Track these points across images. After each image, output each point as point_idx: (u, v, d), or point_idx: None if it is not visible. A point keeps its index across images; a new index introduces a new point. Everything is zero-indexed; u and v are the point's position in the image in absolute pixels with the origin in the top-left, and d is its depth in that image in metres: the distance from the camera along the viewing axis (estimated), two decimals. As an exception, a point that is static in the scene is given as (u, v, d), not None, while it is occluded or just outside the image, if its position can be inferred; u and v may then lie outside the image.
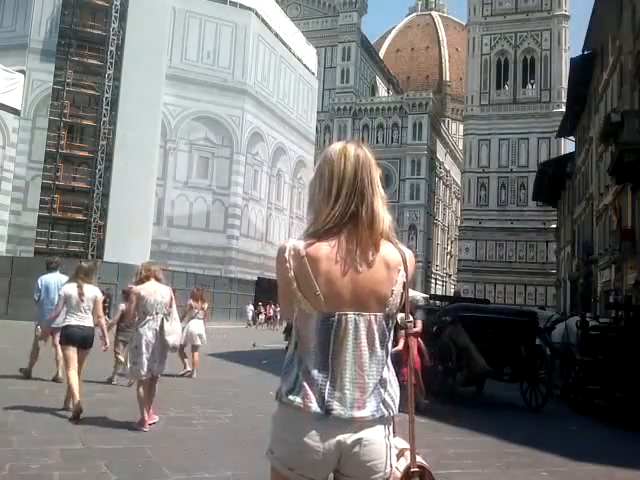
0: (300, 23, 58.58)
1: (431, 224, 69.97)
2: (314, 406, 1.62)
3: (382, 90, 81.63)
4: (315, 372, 1.63)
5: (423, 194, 65.82)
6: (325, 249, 1.62)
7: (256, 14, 38.32)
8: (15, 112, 31.44)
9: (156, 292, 5.97)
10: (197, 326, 10.53)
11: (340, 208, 1.65)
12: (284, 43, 42.82)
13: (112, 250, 30.45)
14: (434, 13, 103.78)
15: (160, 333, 5.91)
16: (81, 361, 6.52)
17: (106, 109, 31.93)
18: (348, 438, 1.63)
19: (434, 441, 6.54)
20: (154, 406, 6.39)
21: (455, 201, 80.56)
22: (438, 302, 16.99)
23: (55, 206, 31.27)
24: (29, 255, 29.79)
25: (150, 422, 6.02)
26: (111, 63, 32.12)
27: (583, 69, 28.20)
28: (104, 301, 7.65)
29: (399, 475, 1.69)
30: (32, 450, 4.93)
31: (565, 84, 41.94)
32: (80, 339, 6.39)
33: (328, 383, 1.63)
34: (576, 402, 9.44)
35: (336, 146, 1.84)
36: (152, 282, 6.02)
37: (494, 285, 57.68)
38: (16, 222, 31.15)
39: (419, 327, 8.43)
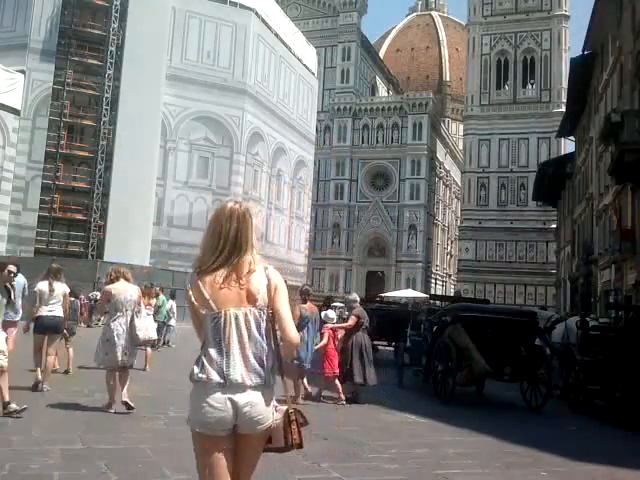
0: (300, 23, 58.54)
1: (431, 224, 69.96)
2: (215, 378, 2.31)
3: (382, 90, 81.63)
4: (214, 354, 2.34)
5: (423, 194, 65.80)
6: (212, 273, 2.43)
7: (256, 14, 38.30)
8: (15, 112, 31.43)
9: (126, 291, 6.74)
10: (144, 322, 10.62)
11: (223, 258, 2.44)
12: (284, 43, 42.81)
13: (112, 250, 30.43)
14: (434, 13, 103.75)
15: (130, 328, 6.67)
16: (51, 343, 7.90)
17: (106, 109, 31.92)
18: (241, 400, 2.30)
19: (434, 441, 6.55)
20: (155, 406, 6.39)
21: (455, 201, 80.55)
22: (438, 302, 17.02)
23: (55, 206, 31.26)
24: (29, 255, 29.78)
25: (124, 400, 6.66)
26: (111, 63, 32.12)
27: (583, 69, 28.18)
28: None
29: (281, 423, 2.41)
30: (32, 450, 4.93)
31: (565, 84, 41.94)
32: (51, 326, 7.77)
33: (224, 361, 2.33)
34: (576, 402, 9.44)
35: (225, 207, 2.51)
36: (122, 282, 6.81)
37: (494, 285, 57.68)
38: (16, 222, 31.15)
39: (351, 322, 8.86)
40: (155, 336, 8.22)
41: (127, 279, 6.85)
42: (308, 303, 8.42)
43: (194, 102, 35.63)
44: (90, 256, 30.82)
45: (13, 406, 6.08)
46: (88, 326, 20.17)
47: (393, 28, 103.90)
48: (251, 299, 2.41)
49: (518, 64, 60.34)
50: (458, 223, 71.78)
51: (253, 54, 38.21)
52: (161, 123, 34.40)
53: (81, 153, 32.39)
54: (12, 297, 6.85)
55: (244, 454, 2.46)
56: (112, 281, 6.93)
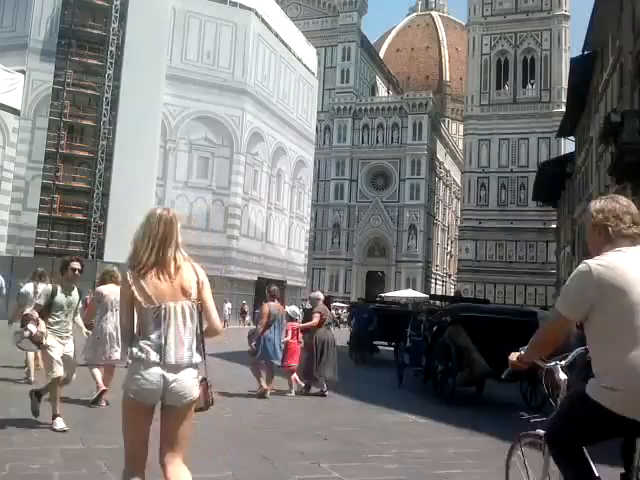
0: (300, 23, 58.57)
1: (431, 224, 69.99)
2: (153, 358, 2.77)
3: (382, 90, 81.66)
4: (154, 339, 2.80)
5: (423, 194, 65.84)
6: (149, 271, 2.86)
7: (256, 14, 38.30)
8: (15, 112, 31.42)
9: (116, 292, 6.93)
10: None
11: (154, 256, 2.88)
12: (284, 43, 42.80)
13: (112, 250, 30.40)
14: (434, 13, 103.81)
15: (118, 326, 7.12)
16: None
17: (106, 109, 31.92)
18: (170, 377, 2.78)
19: (434, 441, 6.55)
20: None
21: (455, 201, 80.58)
22: (438, 302, 17.02)
23: (55, 206, 31.25)
24: (29, 255, 29.78)
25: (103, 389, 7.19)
26: (111, 63, 32.11)
27: (583, 69, 28.18)
28: None
29: (201, 389, 2.99)
30: (32, 450, 4.93)
31: (565, 84, 41.94)
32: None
33: (162, 345, 2.78)
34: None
35: (155, 213, 2.97)
36: (112, 285, 7.24)
37: (494, 285, 57.71)
38: (16, 222, 31.13)
39: (316, 320, 9.23)
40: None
41: (116, 281, 7.13)
42: (275, 302, 8.90)
43: (194, 102, 35.63)
44: (90, 256, 30.81)
45: (59, 423, 5.66)
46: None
47: (393, 28, 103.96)
48: (185, 293, 2.89)
49: (518, 64, 60.38)
50: (458, 223, 71.80)
51: (253, 54, 38.20)
52: (161, 123, 34.39)
53: (81, 153, 32.38)
54: None
55: (169, 423, 2.95)
56: (102, 282, 7.42)
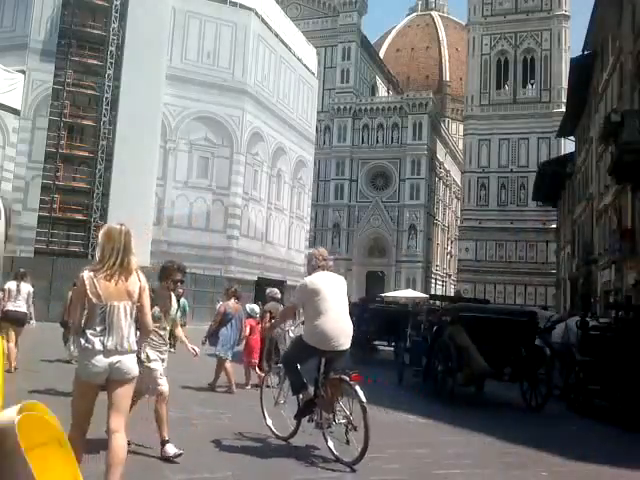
0: (300, 23, 58.53)
1: (431, 224, 69.98)
2: (98, 345, 3.52)
3: (382, 90, 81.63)
4: (99, 330, 3.55)
5: (423, 194, 65.82)
6: (103, 276, 3.58)
7: (256, 14, 38.29)
8: (15, 112, 31.41)
9: None
10: None
11: (111, 264, 3.61)
12: (284, 43, 42.79)
13: (112, 250, 30.43)
14: (434, 13, 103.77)
15: None
16: (17, 335, 9.56)
17: (106, 109, 31.91)
18: (115, 359, 3.55)
19: (434, 441, 6.55)
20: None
21: (455, 201, 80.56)
22: (438, 302, 17.01)
23: (55, 206, 31.23)
24: (29, 255, 29.77)
25: None
26: (111, 63, 32.10)
27: (583, 69, 28.18)
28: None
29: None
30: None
31: (565, 84, 41.94)
32: (16, 319, 9.42)
33: (106, 334, 3.55)
34: (576, 402, 9.43)
35: (113, 228, 3.83)
36: None
37: (494, 285, 57.68)
38: (16, 222, 31.10)
39: (265, 318, 9.60)
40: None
41: None
42: (232, 302, 9.38)
43: (194, 102, 35.61)
44: (90, 256, 30.78)
45: (170, 449, 5.02)
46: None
47: (393, 28, 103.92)
48: (129, 296, 3.65)
49: (518, 64, 60.35)
50: (458, 223, 71.78)
51: (253, 54, 38.19)
52: (161, 123, 34.37)
53: (81, 153, 32.37)
54: None
55: (115, 396, 3.62)
56: None
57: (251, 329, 9.57)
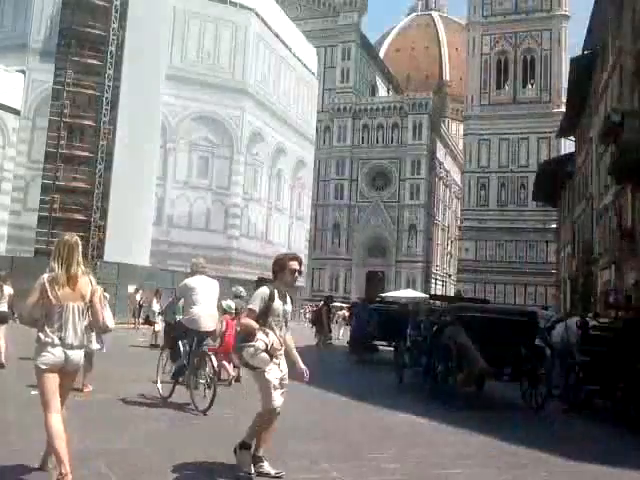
0: (300, 23, 58.51)
1: (431, 224, 69.98)
2: (56, 340, 4.05)
3: (382, 90, 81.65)
4: (56, 327, 4.07)
5: (423, 194, 65.84)
6: (59, 280, 4.08)
7: (256, 14, 38.28)
8: (15, 112, 31.41)
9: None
10: (108, 314, 10.86)
11: (64, 270, 4.12)
12: (284, 43, 42.78)
13: (112, 250, 30.42)
14: (434, 13, 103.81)
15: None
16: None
17: (106, 109, 31.88)
18: (69, 352, 4.08)
19: (434, 441, 6.55)
20: (155, 406, 6.38)
21: (455, 201, 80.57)
22: (438, 302, 17.00)
23: (55, 206, 31.19)
24: (29, 255, 29.75)
25: (86, 390, 7.82)
26: (111, 63, 32.06)
27: (583, 69, 28.16)
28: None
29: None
30: (32, 450, 4.93)
31: (565, 84, 41.89)
32: (2, 317, 10.30)
33: (62, 331, 4.06)
34: (576, 402, 9.43)
35: (63, 240, 4.26)
36: None
37: (494, 285, 57.70)
38: (16, 222, 31.12)
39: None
40: (112, 325, 8.63)
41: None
42: None
43: (194, 102, 35.61)
44: (90, 256, 30.76)
45: (267, 467, 4.67)
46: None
47: (393, 28, 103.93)
48: (82, 297, 4.17)
49: (518, 64, 60.38)
50: (458, 223, 71.80)
51: (253, 54, 38.19)
52: (161, 123, 34.37)
53: (81, 153, 32.33)
54: None
55: (64, 384, 4.17)
56: None
57: (227, 325, 9.73)
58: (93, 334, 7.84)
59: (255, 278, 38.69)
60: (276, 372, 4.54)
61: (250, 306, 4.66)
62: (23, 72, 31.65)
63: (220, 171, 36.62)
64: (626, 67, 20.24)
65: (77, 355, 4.14)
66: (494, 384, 10.14)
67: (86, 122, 32.43)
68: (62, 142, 31.55)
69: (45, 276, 4.11)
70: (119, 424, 6.25)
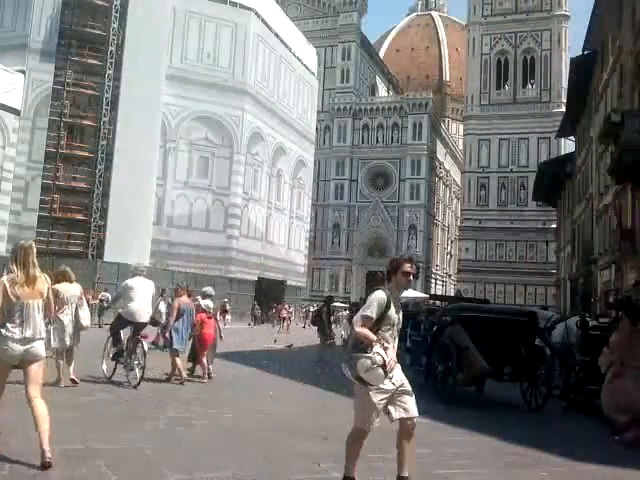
0: (300, 23, 58.55)
1: (431, 224, 69.97)
2: (17, 334, 4.47)
3: (382, 90, 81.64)
4: (17, 322, 4.48)
5: (423, 194, 65.82)
6: (19, 280, 4.52)
7: (256, 14, 38.30)
8: (15, 112, 31.43)
9: (70, 289, 8.26)
10: (86, 313, 11.17)
11: (22, 271, 4.55)
12: (284, 43, 42.80)
13: (112, 250, 30.45)
14: (434, 13, 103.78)
15: (75, 317, 8.27)
16: None
17: (106, 109, 31.90)
18: (29, 346, 4.52)
19: (434, 441, 6.54)
20: (155, 406, 6.37)
21: (455, 201, 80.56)
22: (438, 302, 16.99)
23: (55, 206, 31.23)
24: (29, 255, 29.74)
25: (71, 377, 8.17)
26: (111, 63, 32.09)
27: (583, 69, 28.15)
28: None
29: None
30: (32, 450, 4.93)
31: (565, 84, 41.92)
32: None
33: (23, 326, 4.49)
34: (576, 402, 9.43)
35: (19, 244, 4.74)
36: (66, 283, 8.26)
37: (494, 285, 57.69)
38: (16, 222, 31.13)
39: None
40: (88, 324, 8.79)
41: (70, 279, 8.30)
42: (184, 297, 9.92)
43: (194, 102, 35.63)
44: (90, 256, 30.81)
45: None
46: (99, 326, 20.04)
47: (393, 28, 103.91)
48: (40, 295, 4.64)
49: (518, 64, 60.37)
50: (458, 223, 71.79)
51: (253, 54, 38.21)
52: (161, 123, 34.39)
53: (81, 153, 32.37)
54: None
55: (30, 372, 4.59)
56: (58, 282, 8.21)
57: (203, 323, 10.02)
58: (66, 332, 8.20)
59: (255, 278, 38.72)
60: (383, 393, 3.99)
61: (366, 313, 4.09)
62: (23, 72, 31.66)
63: (220, 171, 36.63)
64: (626, 67, 20.24)
65: (38, 346, 4.59)
66: (494, 384, 10.14)
67: (86, 122, 32.47)
68: (62, 142, 31.60)
69: (5, 278, 4.55)
70: (119, 424, 6.25)
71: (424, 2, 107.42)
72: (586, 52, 27.50)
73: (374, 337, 3.97)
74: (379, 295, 4.17)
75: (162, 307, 15.24)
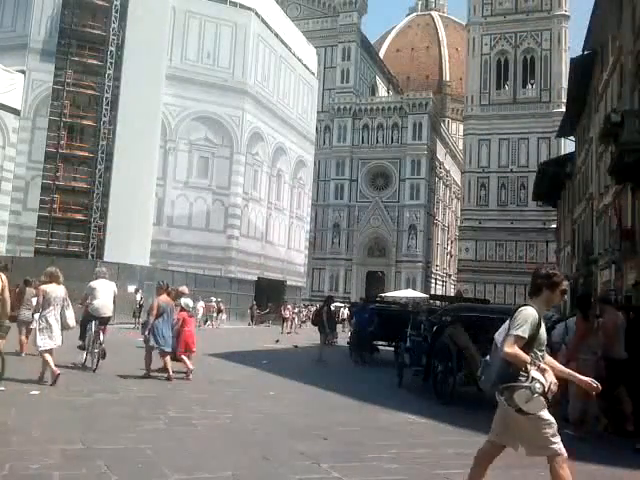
0: (300, 23, 58.54)
1: (431, 224, 69.97)
2: None
3: (382, 90, 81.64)
4: None
5: (423, 194, 65.82)
6: None
7: (256, 14, 38.28)
8: (15, 112, 31.41)
9: (56, 290, 8.43)
10: (70, 313, 11.44)
11: None
12: (284, 43, 42.79)
13: (112, 250, 30.42)
14: (434, 13, 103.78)
15: (61, 317, 8.47)
16: None
17: (106, 109, 31.90)
18: None
19: (434, 441, 6.55)
20: (155, 406, 6.37)
21: (455, 201, 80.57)
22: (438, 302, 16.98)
23: (55, 206, 31.22)
24: (29, 255, 29.76)
25: (57, 373, 8.20)
26: (111, 63, 32.08)
27: (583, 69, 28.15)
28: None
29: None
30: (32, 450, 4.93)
31: (565, 84, 41.91)
32: None
33: None
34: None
35: None
36: (54, 284, 8.46)
37: (494, 285, 57.70)
38: (16, 222, 31.13)
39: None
40: (73, 324, 8.93)
41: (58, 281, 8.51)
42: (164, 296, 10.13)
43: (194, 102, 35.60)
44: (90, 256, 30.79)
45: None
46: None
47: (393, 28, 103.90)
48: None
49: (518, 64, 60.37)
50: (458, 223, 71.80)
51: (253, 54, 38.19)
52: (161, 123, 34.37)
53: (81, 153, 32.36)
54: None
55: None
56: (46, 282, 8.53)
57: (184, 321, 10.32)
58: (53, 331, 8.38)
59: (255, 278, 38.72)
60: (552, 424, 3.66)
61: (517, 332, 3.70)
62: (23, 72, 31.64)
63: (220, 171, 36.61)
64: (626, 67, 20.24)
65: None
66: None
67: (86, 122, 32.45)
68: (62, 142, 31.58)
69: None
70: (119, 424, 6.25)
71: (424, 2, 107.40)
72: (586, 52, 27.48)
73: (527, 358, 3.65)
74: (531, 312, 3.77)
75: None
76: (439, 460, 5.66)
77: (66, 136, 31.95)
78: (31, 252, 30.23)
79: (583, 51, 27.60)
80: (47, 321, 8.31)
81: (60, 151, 31.50)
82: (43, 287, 8.57)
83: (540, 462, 5.84)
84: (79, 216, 31.88)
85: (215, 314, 29.48)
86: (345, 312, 33.57)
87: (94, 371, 9.60)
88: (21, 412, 6.51)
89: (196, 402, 7.93)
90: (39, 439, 5.36)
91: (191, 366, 10.05)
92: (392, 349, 15.77)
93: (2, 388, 7.30)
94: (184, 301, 10.89)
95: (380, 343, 16.71)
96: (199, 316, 18.08)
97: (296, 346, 19.33)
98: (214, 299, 29.44)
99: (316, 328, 16.40)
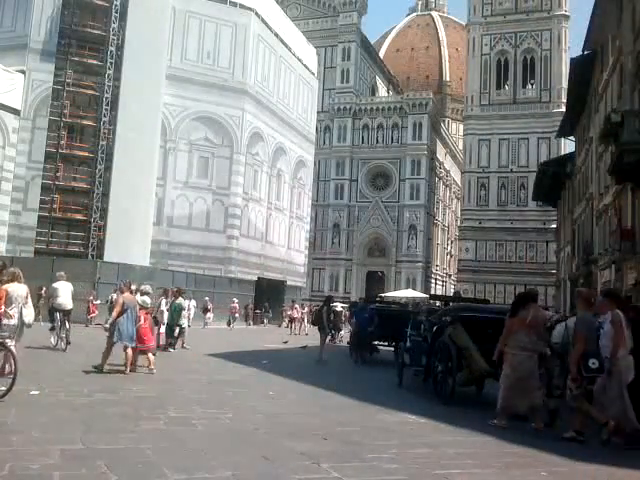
0: (300, 23, 58.54)
1: (431, 224, 69.96)
2: None
3: (382, 90, 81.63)
4: None
5: (423, 194, 65.80)
6: None
7: (256, 14, 38.28)
8: (15, 112, 31.41)
9: (18, 290, 8.42)
10: (30, 311, 11.63)
11: None
12: (284, 43, 42.78)
13: (112, 250, 30.43)
14: (434, 13, 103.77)
15: (20, 315, 8.36)
16: None
17: (106, 109, 31.90)
18: None
19: (434, 441, 6.54)
20: (155, 406, 6.36)
21: (455, 201, 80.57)
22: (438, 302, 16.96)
23: (55, 206, 31.23)
24: (29, 255, 29.77)
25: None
26: (111, 63, 32.08)
27: (583, 69, 28.15)
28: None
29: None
30: (32, 450, 4.93)
31: (565, 84, 41.92)
32: None
33: None
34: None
35: None
36: (15, 283, 8.47)
37: (494, 285, 57.68)
38: (16, 222, 31.13)
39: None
40: (31, 321, 8.94)
41: (20, 280, 8.52)
42: (127, 294, 10.63)
43: (194, 102, 35.61)
44: (90, 256, 30.80)
45: None
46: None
47: (393, 28, 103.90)
48: None
49: (518, 64, 60.37)
50: (458, 223, 71.79)
51: (253, 54, 38.19)
52: (161, 123, 34.37)
53: (81, 153, 32.36)
54: None
55: None
56: (8, 282, 8.49)
57: (138, 318, 10.78)
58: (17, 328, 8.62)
59: (255, 278, 38.71)
60: None
61: None
62: (23, 72, 31.64)
63: (220, 171, 36.61)
64: (626, 67, 20.24)
65: None
66: (494, 384, 10.13)
67: (86, 122, 32.46)
68: (62, 142, 31.58)
69: None
70: (119, 424, 6.25)
71: (424, 2, 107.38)
72: (586, 52, 27.48)
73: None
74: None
75: (163, 306, 15.37)
76: (439, 460, 5.65)
77: (66, 136, 31.95)
78: (31, 252, 30.23)
79: (583, 51, 27.60)
80: (10, 320, 8.46)
81: (60, 151, 31.51)
82: (5, 286, 8.66)
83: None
84: (79, 216, 31.89)
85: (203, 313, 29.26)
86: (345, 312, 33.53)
87: (64, 350, 12.60)
88: (21, 412, 6.51)
89: (196, 402, 7.93)
90: (39, 439, 5.36)
91: (152, 358, 10.79)
92: (392, 349, 15.80)
93: (2, 388, 7.30)
94: (141, 299, 11.49)
95: (380, 343, 16.71)
96: (191, 315, 18.02)
97: (304, 347, 19.05)
98: (207, 298, 29.32)
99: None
